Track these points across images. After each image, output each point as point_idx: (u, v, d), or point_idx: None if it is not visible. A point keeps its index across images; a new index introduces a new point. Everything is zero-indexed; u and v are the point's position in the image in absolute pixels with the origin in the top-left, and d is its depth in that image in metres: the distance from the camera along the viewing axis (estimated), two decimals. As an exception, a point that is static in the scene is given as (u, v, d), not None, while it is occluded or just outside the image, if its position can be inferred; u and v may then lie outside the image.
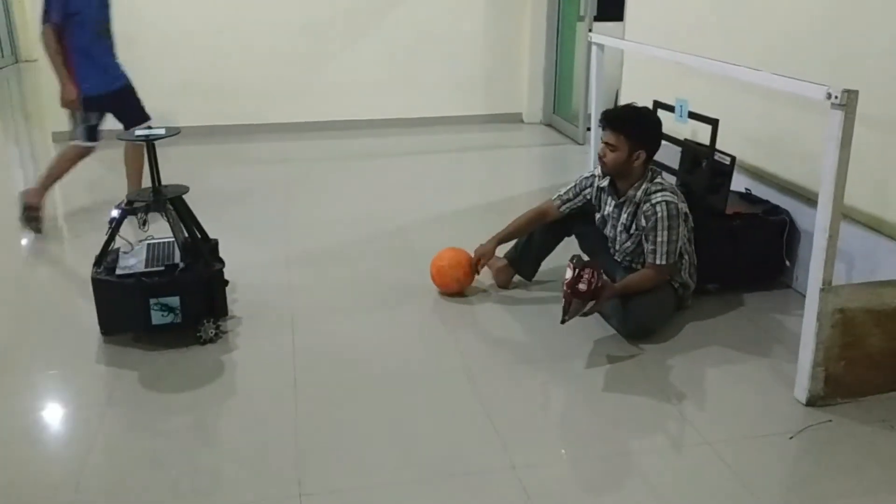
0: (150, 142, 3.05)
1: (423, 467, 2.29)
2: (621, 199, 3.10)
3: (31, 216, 4.37)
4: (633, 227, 3.06)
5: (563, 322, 2.81)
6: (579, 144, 6.28)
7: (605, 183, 3.17)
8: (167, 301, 2.90)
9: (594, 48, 4.19)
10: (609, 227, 3.19)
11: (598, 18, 6.12)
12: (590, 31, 5.93)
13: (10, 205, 4.61)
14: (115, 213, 3.07)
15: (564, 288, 2.78)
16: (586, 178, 3.29)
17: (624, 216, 3.09)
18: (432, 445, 2.40)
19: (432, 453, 2.36)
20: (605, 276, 2.85)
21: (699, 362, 2.88)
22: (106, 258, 3.07)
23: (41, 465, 2.33)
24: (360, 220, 4.51)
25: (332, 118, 6.85)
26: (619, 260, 3.22)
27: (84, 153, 4.55)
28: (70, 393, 2.77)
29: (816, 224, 2.39)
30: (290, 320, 3.22)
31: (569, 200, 3.32)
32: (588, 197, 3.27)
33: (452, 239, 4.00)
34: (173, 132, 3.13)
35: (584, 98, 6.19)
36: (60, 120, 6.54)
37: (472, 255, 3.40)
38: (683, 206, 3.02)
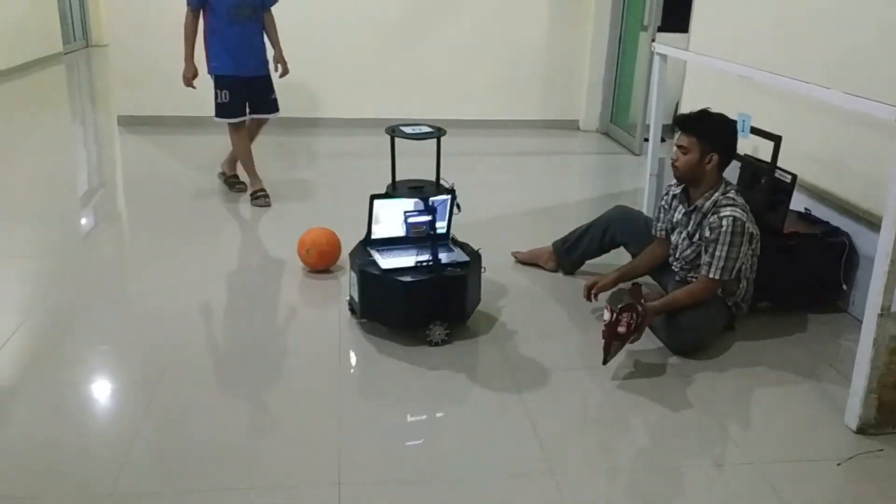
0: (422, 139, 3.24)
1: (460, 467, 2.30)
2: (691, 207, 3.06)
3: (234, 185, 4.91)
4: (697, 235, 3.02)
5: (604, 363, 2.78)
6: (635, 155, 6.22)
7: (678, 190, 3.15)
8: None
9: (657, 58, 4.15)
10: (676, 233, 3.16)
11: (661, 29, 6.06)
12: (653, 41, 5.88)
13: (69, 183, 4.75)
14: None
15: (603, 331, 2.76)
16: (664, 191, 3.27)
17: (691, 224, 3.05)
18: (473, 445, 2.40)
19: (472, 452, 2.36)
20: (644, 302, 2.80)
21: (747, 381, 2.84)
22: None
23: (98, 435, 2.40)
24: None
25: (388, 116, 6.88)
26: (675, 269, 3.18)
27: (235, 130, 4.70)
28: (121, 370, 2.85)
29: (878, 248, 2.33)
30: (336, 317, 3.25)
31: (659, 220, 3.27)
32: (666, 206, 3.25)
33: (503, 241, 4.02)
34: (440, 133, 3.28)
35: (643, 108, 6.14)
36: (126, 104, 6.77)
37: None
38: (752, 227, 2.95)
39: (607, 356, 2.76)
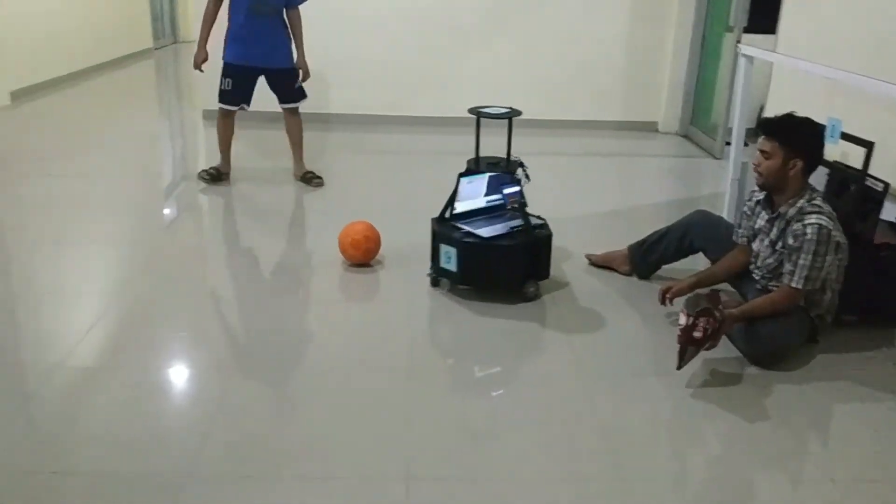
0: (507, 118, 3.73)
1: (530, 467, 2.28)
2: (774, 214, 2.97)
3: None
4: (780, 243, 2.93)
5: (678, 368, 2.72)
6: (716, 158, 6.08)
7: (761, 196, 3.06)
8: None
9: (743, 60, 4.04)
10: (758, 240, 3.07)
11: (747, 30, 5.90)
12: (738, 42, 5.73)
13: (153, 175, 4.90)
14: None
15: (679, 335, 2.70)
16: (746, 197, 3.19)
17: (774, 231, 2.96)
18: (541, 446, 2.39)
19: (541, 455, 2.35)
20: (723, 309, 2.73)
21: (828, 395, 2.74)
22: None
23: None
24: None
25: (463, 115, 6.90)
26: (756, 278, 3.09)
27: (223, 116, 4.90)
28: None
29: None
30: (406, 308, 3.28)
31: (741, 226, 3.19)
32: (749, 212, 3.16)
33: (577, 242, 3.98)
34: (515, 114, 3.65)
35: (726, 111, 5.98)
36: (211, 99, 6.95)
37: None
38: (838, 236, 2.85)
39: (681, 361, 2.70)
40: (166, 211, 4.74)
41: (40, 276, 3.58)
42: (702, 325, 2.66)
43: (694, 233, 3.43)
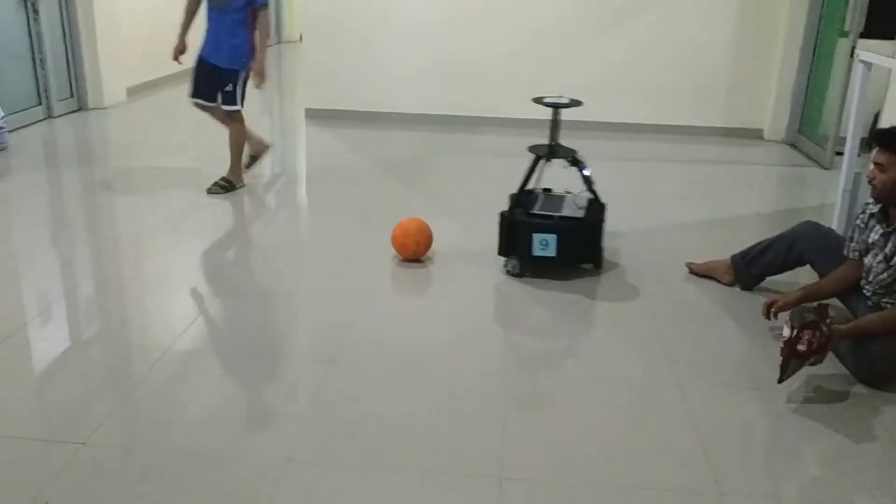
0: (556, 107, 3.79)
1: (626, 475, 2.26)
2: (890, 228, 2.85)
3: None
4: (895, 259, 2.80)
5: (780, 381, 2.63)
6: (825, 169, 5.83)
7: (876, 209, 2.93)
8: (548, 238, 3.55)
9: (860, 66, 3.88)
10: (870, 255, 2.94)
11: (863, 35, 5.65)
12: (854, 47, 5.50)
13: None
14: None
15: (782, 347, 2.61)
16: (860, 210, 3.06)
17: (889, 246, 2.84)
18: (640, 456, 2.36)
19: (637, 462, 2.32)
20: (831, 324, 2.63)
21: (944, 420, 2.60)
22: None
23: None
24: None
25: (567, 118, 6.85)
26: (867, 294, 2.96)
27: (200, 109, 4.80)
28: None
29: None
30: (500, 307, 3.29)
31: (853, 239, 3.06)
32: (862, 225, 3.03)
33: (678, 251, 3.91)
34: (576, 104, 3.78)
35: (837, 119, 5.74)
36: (314, 97, 7.15)
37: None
38: None
39: (783, 374, 2.62)
40: (265, 205, 4.89)
41: (147, 263, 3.77)
42: (807, 337, 2.57)
43: (802, 245, 3.31)
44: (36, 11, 6.39)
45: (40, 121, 6.52)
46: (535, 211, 3.61)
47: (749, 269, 3.47)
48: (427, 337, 3.08)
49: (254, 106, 8.30)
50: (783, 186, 5.75)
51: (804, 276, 3.44)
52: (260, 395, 2.66)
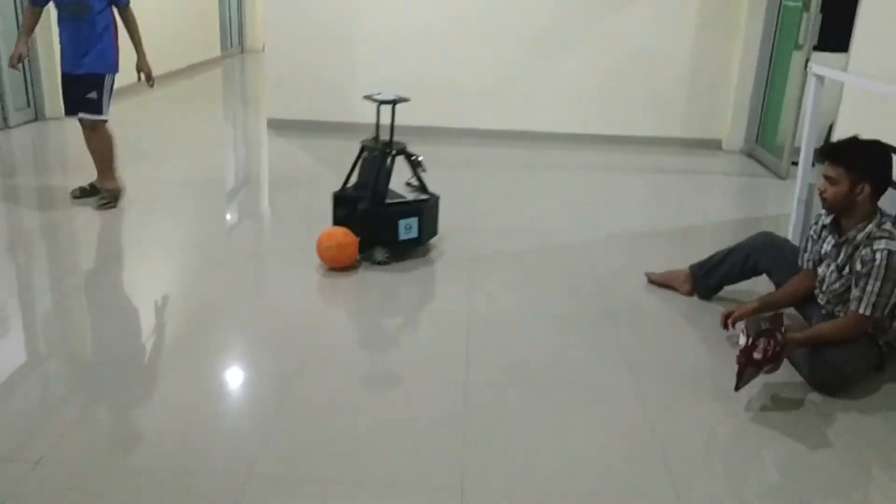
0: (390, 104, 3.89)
1: (585, 483, 2.27)
2: (842, 239, 2.91)
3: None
4: (847, 269, 2.87)
5: (736, 389, 2.67)
6: (781, 179, 5.96)
7: (828, 220, 3.00)
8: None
9: (813, 79, 3.97)
10: (823, 265, 3.01)
11: (818, 48, 5.78)
12: (808, 60, 5.63)
13: (217, 180, 5.00)
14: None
15: (738, 355, 2.66)
16: (813, 221, 3.12)
17: (841, 256, 2.90)
18: (599, 466, 2.37)
19: (598, 471, 2.34)
20: (786, 332, 2.68)
21: (893, 426, 2.65)
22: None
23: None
24: (543, 230, 4.54)
25: (526, 128, 6.93)
26: (821, 303, 3.03)
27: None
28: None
29: None
30: (466, 318, 3.30)
31: (806, 250, 3.12)
32: (815, 236, 3.10)
33: (638, 261, 3.95)
34: (403, 99, 3.91)
35: (793, 130, 5.87)
36: (276, 107, 7.11)
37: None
38: None
39: (739, 382, 2.66)
40: (228, 216, 4.84)
41: (104, 277, 3.71)
42: (762, 345, 2.62)
43: (758, 255, 3.38)
44: (-9, 18, 6.28)
45: (-5, 131, 6.40)
46: (392, 201, 3.85)
47: (707, 279, 3.53)
48: (396, 347, 3.08)
49: (215, 115, 8.29)
50: (741, 196, 5.85)
51: (761, 285, 3.50)
52: (222, 409, 2.63)
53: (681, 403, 2.74)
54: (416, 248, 3.99)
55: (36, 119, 6.95)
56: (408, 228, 3.84)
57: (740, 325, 2.89)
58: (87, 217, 4.48)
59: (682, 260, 3.70)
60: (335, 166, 5.81)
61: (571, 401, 2.74)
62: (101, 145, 4.62)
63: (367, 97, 3.94)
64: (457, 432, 2.50)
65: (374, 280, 3.73)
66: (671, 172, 6.19)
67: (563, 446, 2.46)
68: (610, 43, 6.74)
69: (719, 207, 5.58)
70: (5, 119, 6.54)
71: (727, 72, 6.75)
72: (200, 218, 4.66)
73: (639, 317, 3.43)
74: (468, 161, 6.29)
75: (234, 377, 2.87)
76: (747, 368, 2.64)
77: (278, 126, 7.04)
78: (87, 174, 4.81)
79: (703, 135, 6.92)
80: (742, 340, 2.65)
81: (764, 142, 6.68)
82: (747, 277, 3.47)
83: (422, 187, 4.02)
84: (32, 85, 6.90)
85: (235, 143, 7.20)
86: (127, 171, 5.48)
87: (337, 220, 3.97)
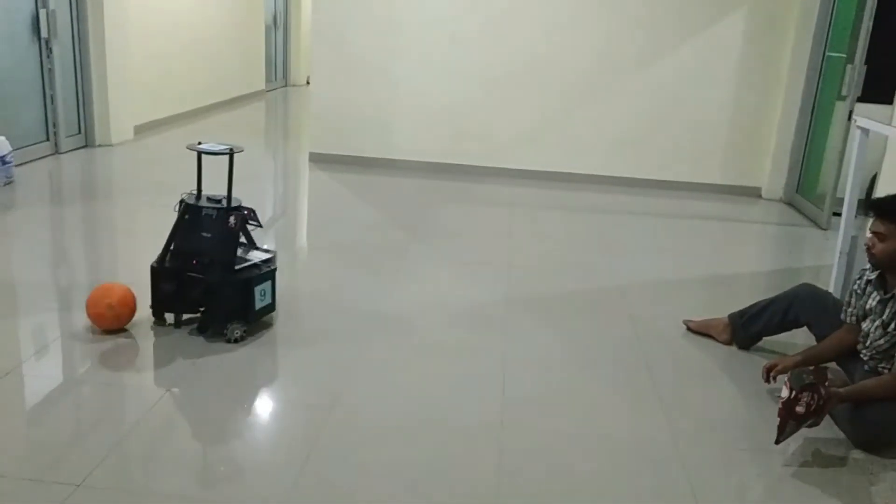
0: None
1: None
2: (888, 295, 2.87)
3: None
4: (893, 325, 2.82)
5: (777, 442, 2.64)
6: (822, 229, 5.89)
7: (873, 275, 2.96)
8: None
9: (857, 132, 3.95)
10: (868, 321, 2.96)
11: (861, 99, 5.75)
12: (851, 112, 5.60)
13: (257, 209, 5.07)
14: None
15: (780, 408, 2.62)
16: (857, 275, 3.09)
17: (887, 312, 2.86)
18: (630, 515, 2.35)
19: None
20: (829, 387, 2.64)
21: (940, 488, 2.60)
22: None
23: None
24: (579, 273, 4.53)
25: (564, 170, 6.95)
26: (864, 358, 2.98)
27: None
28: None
29: None
30: (501, 360, 3.29)
31: (850, 304, 3.07)
32: (860, 291, 3.04)
33: (672, 306, 3.93)
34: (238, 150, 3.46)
35: (835, 180, 5.82)
36: (319, 141, 7.23)
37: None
38: None
39: (780, 435, 2.63)
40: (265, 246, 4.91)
41: (145, 302, 3.77)
42: (805, 399, 2.58)
43: (799, 307, 3.33)
44: (49, 49, 6.49)
45: (47, 156, 6.58)
46: (242, 266, 3.30)
47: (746, 329, 3.49)
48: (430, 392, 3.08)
49: (257, 149, 8.44)
50: (780, 246, 5.79)
51: (801, 337, 3.45)
52: (255, 443, 2.65)
53: (719, 455, 2.70)
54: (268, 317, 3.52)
55: (86, 145, 7.13)
56: (262, 295, 3.35)
57: (783, 377, 2.85)
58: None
59: (721, 308, 3.66)
60: (371, 201, 5.88)
61: (606, 447, 2.71)
62: None
63: (191, 147, 3.43)
64: (485, 474, 2.48)
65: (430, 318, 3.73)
66: (710, 219, 6.16)
67: (599, 491, 2.44)
68: (653, 89, 6.76)
69: (758, 256, 5.53)
70: (57, 145, 6.72)
71: (769, 120, 6.72)
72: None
73: (676, 365, 3.39)
74: (504, 200, 6.32)
75: (268, 409, 2.89)
76: (789, 422, 2.61)
77: (319, 160, 7.15)
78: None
79: (742, 182, 6.88)
80: (784, 393, 2.61)
81: (805, 191, 6.62)
82: (787, 329, 3.42)
83: (251, 242, 3.46)
84: (84, 112, 7.09)
85: (275, 175, 7.31)
86: (163, 198, 5.61)
87: (163, 296, 3.38)
